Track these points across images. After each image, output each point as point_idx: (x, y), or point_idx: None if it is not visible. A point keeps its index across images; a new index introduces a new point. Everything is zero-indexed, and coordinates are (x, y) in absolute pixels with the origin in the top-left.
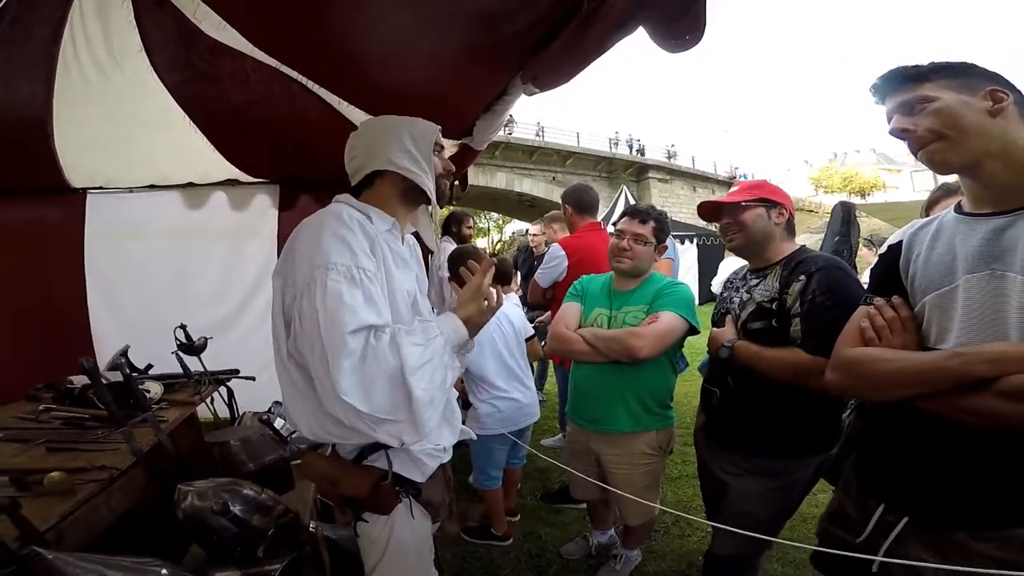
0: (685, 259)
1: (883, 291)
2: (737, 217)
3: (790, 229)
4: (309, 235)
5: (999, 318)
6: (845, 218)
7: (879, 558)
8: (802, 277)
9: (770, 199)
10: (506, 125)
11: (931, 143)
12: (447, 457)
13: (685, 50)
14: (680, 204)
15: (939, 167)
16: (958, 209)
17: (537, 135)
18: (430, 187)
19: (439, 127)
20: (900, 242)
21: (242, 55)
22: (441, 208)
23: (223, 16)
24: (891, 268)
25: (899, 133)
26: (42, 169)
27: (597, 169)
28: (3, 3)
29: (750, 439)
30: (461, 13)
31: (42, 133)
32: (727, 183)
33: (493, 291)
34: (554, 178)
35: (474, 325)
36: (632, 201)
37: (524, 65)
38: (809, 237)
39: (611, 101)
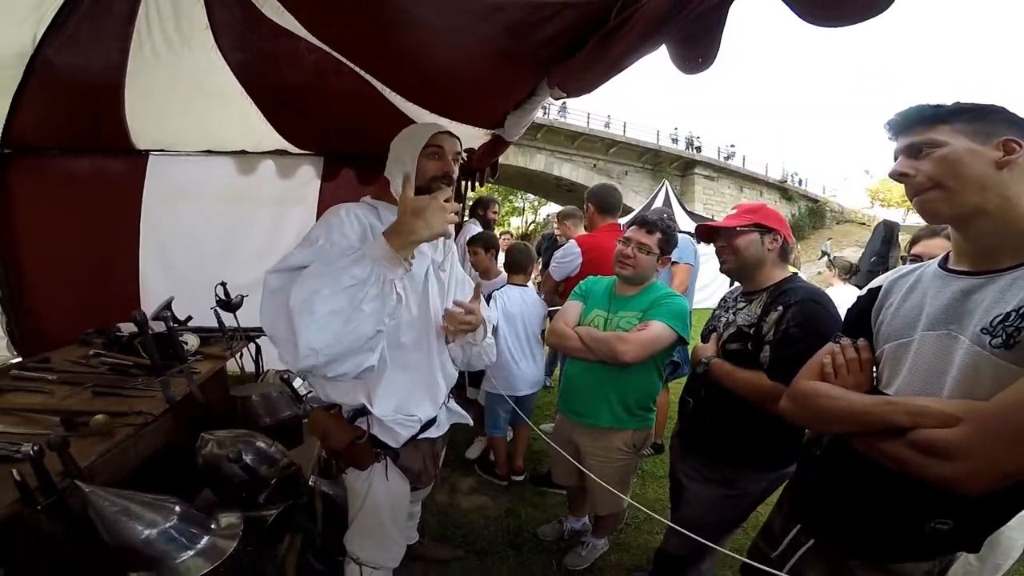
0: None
1: (853, 332)
2: (731, 242)
3: (783, 255)
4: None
5: (938, 376)
6: (887, 237)
7: (781, 573)
8: (780, 307)
9: (765, 225)
10: (559, 110)
11: (927, 191)
12: (436, 433)
13: (696, 72)
14: (724, 203)
15: (929, 216)
16: (942, 262)
17: (604, 123)
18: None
19: (438, 128)
20: (879, 288)
21: (298, 37)
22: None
23: (282, 3)
24: (864, 311)
25: (898, 177)
26: (113, 133)
27: (642, 160)
28: None
29: (713, 448)
30: (491, 22)
31: (115, 101)
32: (778, 187)
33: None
34: (595, 165)
35: (401, 234)
36: (673, 197)
37: (551, 71)
38: (857, 251)
39: (664, 95)
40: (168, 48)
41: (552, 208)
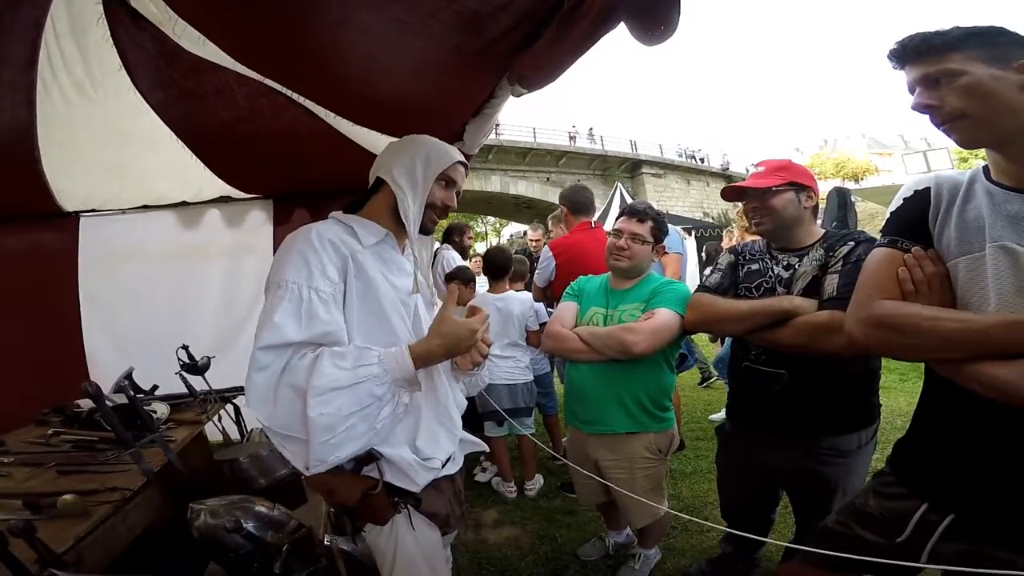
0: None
1: (909, 236)
2: (766, 202)
3: (815, 212)
4: (282, 251)
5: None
6: (841, 203)
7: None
8: (851, 243)
9: (798, 182)
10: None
11: (955, 120)
12: (453, 469)
13: (660, 42)
14: (675, 198)
15: (966, 145)
16: (987, 174)
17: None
18: (408, 213)
19: (459, 160)
20: (927, 188)
21: (225, 70)
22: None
23: (202, 32)
24: (921, 214)
25: (923, 108)
26: (34, 195)
27: (591, 167)
28: None
29: (828, 418)
30: (442, 18)
31: (30, 158)
32: (722, 175)
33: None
34: (548, 179)
35: (429, 359)
36: (627, 197)
37: (510, 66)
38: None
39: (602, 99)
40: (80, 93)
41: (514, 227)
